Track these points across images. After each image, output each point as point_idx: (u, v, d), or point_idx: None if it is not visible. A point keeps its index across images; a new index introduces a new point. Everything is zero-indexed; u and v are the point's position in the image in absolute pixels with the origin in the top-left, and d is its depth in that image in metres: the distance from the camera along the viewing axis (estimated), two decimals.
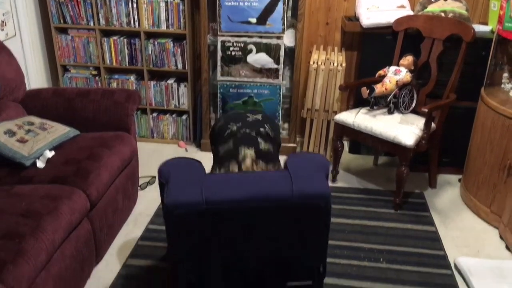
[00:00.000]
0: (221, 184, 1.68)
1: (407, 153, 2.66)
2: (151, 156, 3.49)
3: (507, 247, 2.50)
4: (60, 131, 2.42)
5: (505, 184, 2.54)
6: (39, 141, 2.27)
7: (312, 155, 2.30)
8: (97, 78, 3.58)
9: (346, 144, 3.60)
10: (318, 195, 1.66)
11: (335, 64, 3.11)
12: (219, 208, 1.62)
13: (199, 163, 1.77)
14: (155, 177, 3.14)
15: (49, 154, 2.27)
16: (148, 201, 2.91)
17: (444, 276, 2.30)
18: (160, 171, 1.76)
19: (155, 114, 3.68)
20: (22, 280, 1.59)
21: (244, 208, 1.64)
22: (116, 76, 3.57)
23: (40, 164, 2.21)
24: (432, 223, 2.72)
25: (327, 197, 1.66)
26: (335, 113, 3.17)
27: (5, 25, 3.08)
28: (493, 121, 2.57)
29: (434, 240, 2.57)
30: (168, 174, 1.71)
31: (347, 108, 3.04)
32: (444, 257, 2.44)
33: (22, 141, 2.24)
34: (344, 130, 2.95)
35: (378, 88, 2.81)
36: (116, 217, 2.42)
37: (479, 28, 2.98)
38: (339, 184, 3.15)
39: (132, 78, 3.56)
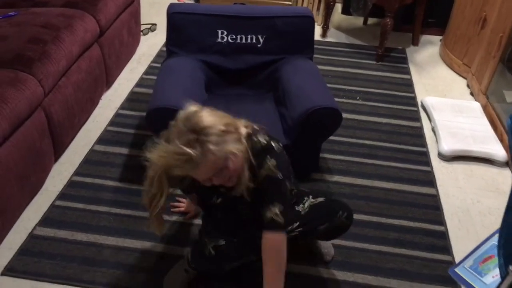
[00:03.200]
0: None
1: (393, 4, 2.85)
2: (152, 8, 3.64)
3: (471, 93, 2.82)
4: None
5: (478, 36, 2.77)
6: None
7: None
8: None
9: (339, 6, 3.74)
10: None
11: None
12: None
13: None
14: (155, 24, 3.33)
15: None
16: (150, 45, 3.14)
17: (410, 111, 2.64)
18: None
19: None
20: (48, 77, 1.89)
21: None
22: None
23: None
24: (408, 72, 3.01)
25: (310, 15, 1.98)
26: None
27: None
28: None
29: (408, 85, 2.88)
30: None
31: None
32: (414, 98, 2.76)
33: None
34: None
35: None
36: (122, 49, 2.68)
37: None
38: (328, 39, 3.37)
39: None
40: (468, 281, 1.28)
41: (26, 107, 1.74)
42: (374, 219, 1.95)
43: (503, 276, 0.94)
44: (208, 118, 1.18)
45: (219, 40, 2.13)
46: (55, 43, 1.98)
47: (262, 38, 2.14)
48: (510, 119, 0.88)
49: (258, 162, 1.26)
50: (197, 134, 1.16)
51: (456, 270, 1.33)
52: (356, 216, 1.94)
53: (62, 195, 1.96)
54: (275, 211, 1.26)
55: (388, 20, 2.91)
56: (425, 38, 3.43)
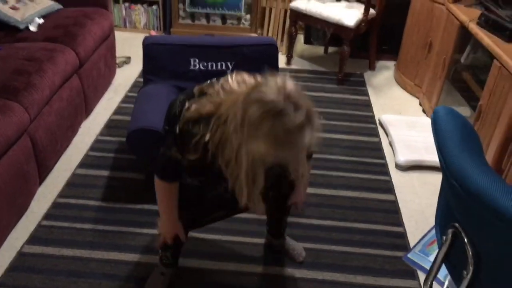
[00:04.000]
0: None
1: (349, 33, 3.13)
2: (126, 42, 3.83)
3: (423, 111, 3.10)
4: (46, 3, 2.74)
5: (426, 60, 3.07)
6: (29, 9, 2.60)
7: None
8: None
9: (301, 37, 4.03)
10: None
11: None
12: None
13: None
14: (130, 57, 3.52)
15: (39, 20, 2.61)
16: (125, 76, 3.32)
17: (369, 128, 2.88)
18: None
19: (127, 4, 3.96)
20: (33, 105, 2.03)
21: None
22: None
23: (33, 28, 2.56)
24: (366, 94, 3.28)
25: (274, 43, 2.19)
26: (290, 1, 3.56)
27: None
28: (422, 5, 3.05)
29: (366, 106, 3.14)
30: None
31: None
32: (372, 116, 3.01)
33: (14, 8, 2.56)
34: (298, 15, 3.37)
35: None
36: (100, 81, 2.84)
37: None
38: (293, 66, 3.63)
39: None
40: (418, 262, 1.46)
41: (14, 133, 1.88)
42: (340, 224, 2.13)
43: (440, 247, 1.14)
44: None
45: (192, 67, 2.32)
46: (39, 74, 2.13)
47: (231, 65, 2.35)
48: (434, 113, 1.09)
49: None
50: (308, 113, 1.09)
51: (409, 256, 1.51)
52: (323, 222, 2.13)
53: (47, 216, 2.07)
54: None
55: (345, 47, 3.19)
56: (380, 63, 3.74)
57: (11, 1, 2.59)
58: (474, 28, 2.45)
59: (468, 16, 2.55)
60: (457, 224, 1.07)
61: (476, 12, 2.53)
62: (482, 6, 2.61)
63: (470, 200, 0.93)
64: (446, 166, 1.00)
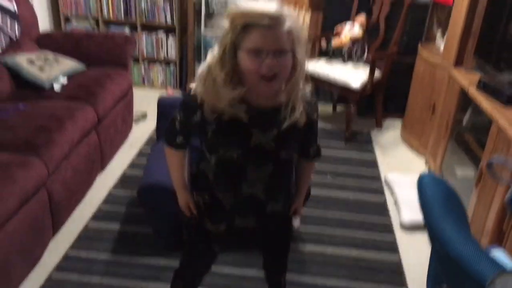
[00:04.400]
0: None
1: (354, 94, 3.27)
2: (143, 99, 4.01)
3: (429, 170, 3.15)
4: (70, 64, 2.95)
5: (430, 120, 3.17)
6: (54, 70, 2.80)
7: None
8: (95, 30, 4.07)
9: None
10: None
11: (301, 20, 3.67)
12: None
13: None
14: (146, 113, 3.69)
15: (63, 80, 2.80)
16: (141, 132, 3.47)
17: (375, 187, 2.94)
18: None
19: (146, 64, 4.20)
20: (52, 160, 2.16)
21: None
22: (113, 28, 4.07)
23: (57, 87, 2.75)
24: (373, 152, 3.36)
25: None
26: None
27: None
28: (424, 69, 3.18)
29: (373, 164, 3.21)
30: None
31: (310, 58, 3.62)
32: (378, 175, 3.07)
33: (41, 69, 2.77)
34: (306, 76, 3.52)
35: (335, 41, 3.39)
36: (116, 136, 2.99)
37: None
38: None
39: (127, 30, 4.07)
40: None
41: (33, 187, 1.99)
42: (344, 283, 2.15)
43: None
44: None
45: None
46: (59, 131, 2.28)
47: None
48: (419, 180, 1.16)
49: (310, 104, 1.39)
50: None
51: None
52: (327, 281, 2.16)
53: (58, 267, 2.14)
54: (318, 145, 1.56)
55: (351, 108, 3.32)
56: (388, 122, 3.84)
57: (38, 62, 2.80)
58: (473, 92, 2.55)
59: (468, 80, 2.66)
60: (445, 286, 1.11)
61: (476, 76, 2.64)
62: (482, 69, 2.72)
63: (450, 264, 0.98)
64: (429, 230, 1.06)
